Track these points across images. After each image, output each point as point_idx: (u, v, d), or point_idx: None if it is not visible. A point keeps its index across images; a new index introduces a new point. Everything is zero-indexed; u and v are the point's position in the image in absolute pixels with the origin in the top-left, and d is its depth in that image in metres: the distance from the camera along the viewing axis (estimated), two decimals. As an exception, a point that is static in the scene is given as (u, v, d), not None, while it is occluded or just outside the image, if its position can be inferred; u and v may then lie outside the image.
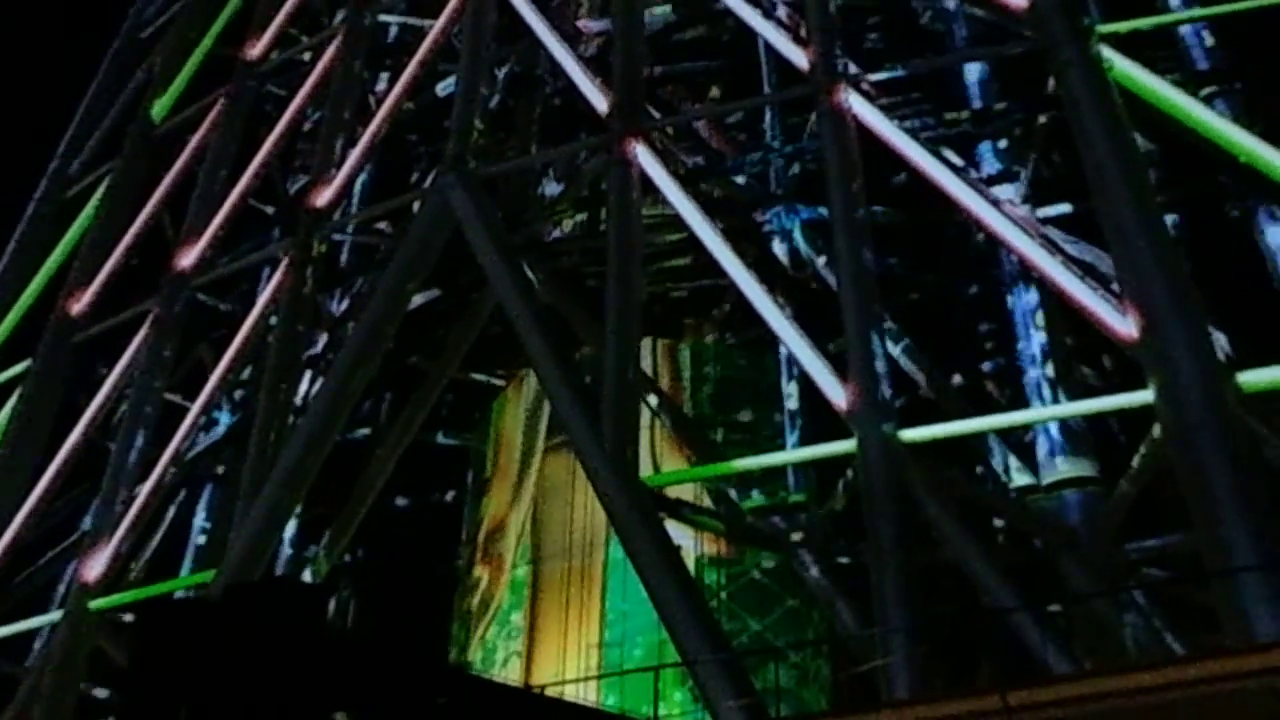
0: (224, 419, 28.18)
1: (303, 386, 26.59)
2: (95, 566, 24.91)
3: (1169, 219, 21.58)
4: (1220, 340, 19.65)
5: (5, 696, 25.37)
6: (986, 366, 25.76)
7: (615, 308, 21.92)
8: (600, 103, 24.44)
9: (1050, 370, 23.71)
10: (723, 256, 22.58)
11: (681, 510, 23.67)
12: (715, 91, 30.12)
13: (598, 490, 20.81)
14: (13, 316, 31.82)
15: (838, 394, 19.70)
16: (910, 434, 19.16)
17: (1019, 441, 23.52)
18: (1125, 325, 18.70)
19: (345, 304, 29.48)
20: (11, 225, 34.17)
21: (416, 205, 26.11)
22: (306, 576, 25.40)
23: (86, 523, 26.44)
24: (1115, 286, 19.21)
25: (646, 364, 25.39)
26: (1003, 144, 25.36)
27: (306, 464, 23.77)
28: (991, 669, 19.26)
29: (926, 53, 24.92)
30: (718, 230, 22.80)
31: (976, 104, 26.17)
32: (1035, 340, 24.42)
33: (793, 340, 21.28)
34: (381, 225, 28.59)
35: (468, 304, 26.48)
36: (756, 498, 25.38)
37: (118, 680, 22.59)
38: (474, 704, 14.09)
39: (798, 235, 26.32)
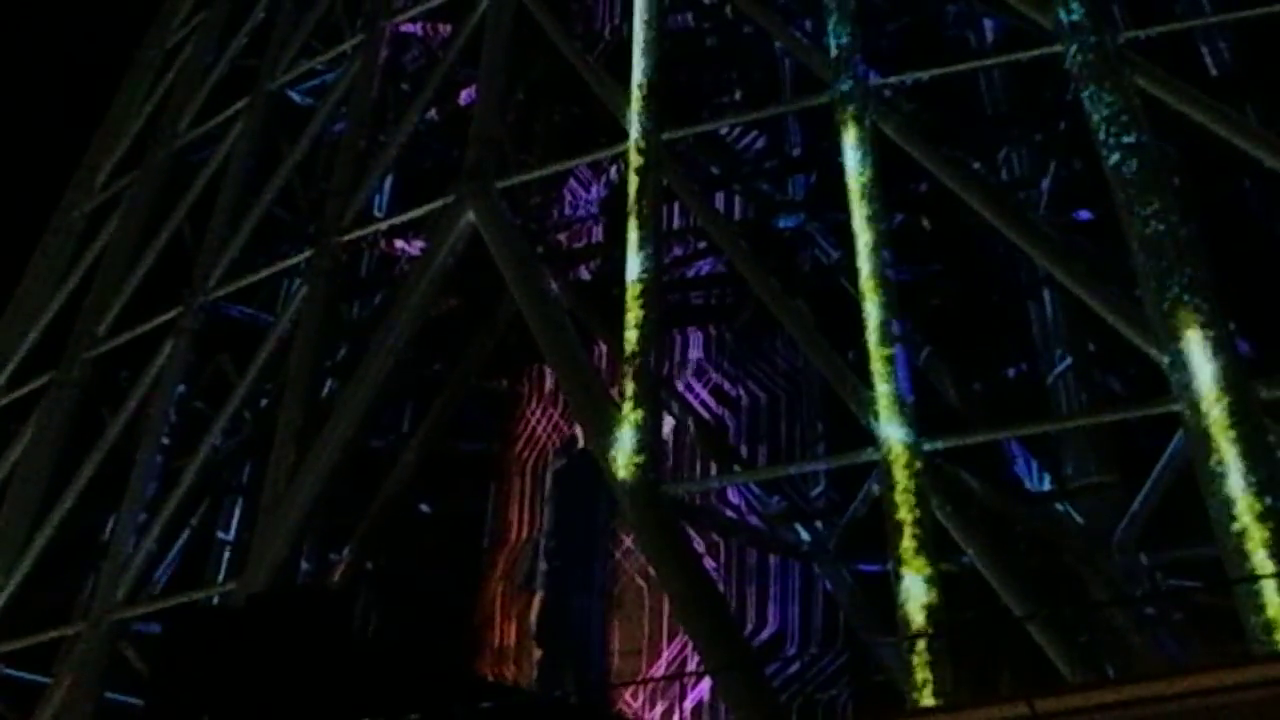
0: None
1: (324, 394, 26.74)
2: (119, 576, 25.08)
3: (1190, 224, 21.49)
4: (1244, 347, 19.57)
5: (27, 706, 25.50)
6: (1009, 373, 25.72)
7: (634, 314, 21.91)
8: (620, 110, 24.45)
9: (1073, 378, 23.67)
10: (744, 263, 22.60)
11: (701, 518, 23.70)
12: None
13: (617, 497, 20.81)
14: (37, 329, 32.07)
15: (859, 401, 19.68)
16: (933, 442, 19.13)
17: (1042, 449, 23.45)
18: (1148, 332, 18.65)
19: (366, 313, 29.59)
20: (35, 237, 34.44)
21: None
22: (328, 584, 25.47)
23: (110, 532, 26.56)
24: (1138, 292, 19.16)
25: (668, 370, 25.40)
26: (1024, 150, 25.33)
27: (329, 473, 23.85)
28: (1013, 678, 19.21)
29: (947, 58, 24.82)
30: (739, 237, 22.80)
31: (997, 109, 26.15)
32: (1057, 348, 24.41)
33: (814, 347, 21.27)
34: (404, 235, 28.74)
35: (489, 312, 26.54)
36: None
37: (140, 689, 22.66)
38: (498, 712, 14.11)
39: (819, 242, 26.34)
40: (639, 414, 20.89)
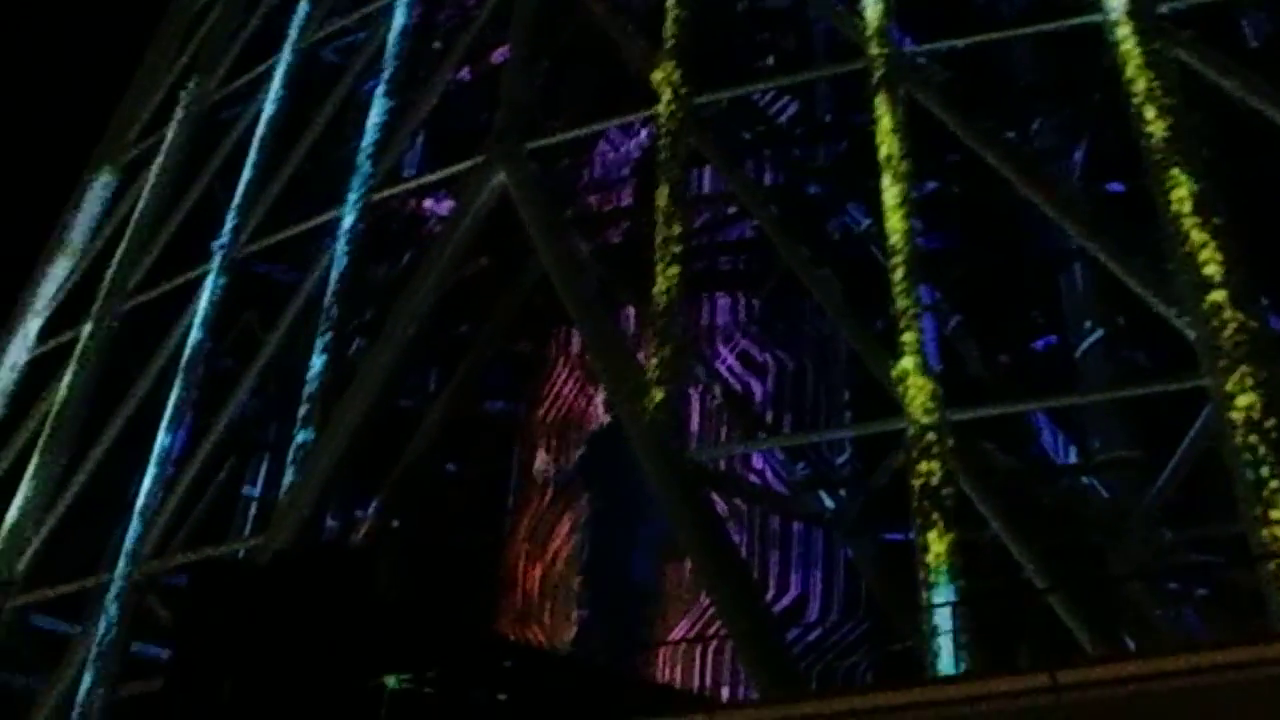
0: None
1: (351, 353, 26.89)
2: (146, 529, 25.31)
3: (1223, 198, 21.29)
4: (1275, 323, 19.42)
5: (56, 656, 25.82)
6: (1037, 346, 25.60)
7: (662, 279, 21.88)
8: (651, 73, 24.32)
9: (1100, 351, 23.56)
10: (773, 229, 22.54)
11: (726, 484, 23.73)
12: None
13: (642, 462, 20.83)
14: (69, 284, 32.29)
15: (886, 370, 19.63)
16: (959, 413, 19.07)
17: (1068, 421, 23.36)
18: (1178, 305, 18.52)
19: (394, 272, 29.64)
20: (67, 193, 34.59)
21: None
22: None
23: (138, 486, 26.77)
24: (1169, 266, 19.01)
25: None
26: (1057, 120, 25.11)
27: (355, 431, 23.97)
28: (1031, 650, 19.20)
29: (981, 26, 24.62)
30: (768, 202, 22.72)
31: (1031, 78, 25.93)
32: (1086, 320, 24.26)
33: (841, 315, 21.22)
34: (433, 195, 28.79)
35: (517, 273, 26.57)
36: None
37: (166, 640, 22.92)
38: (519, 669, 14.22)
39: (849, 209, 26.22)
40: (666, 379, 20.88)
